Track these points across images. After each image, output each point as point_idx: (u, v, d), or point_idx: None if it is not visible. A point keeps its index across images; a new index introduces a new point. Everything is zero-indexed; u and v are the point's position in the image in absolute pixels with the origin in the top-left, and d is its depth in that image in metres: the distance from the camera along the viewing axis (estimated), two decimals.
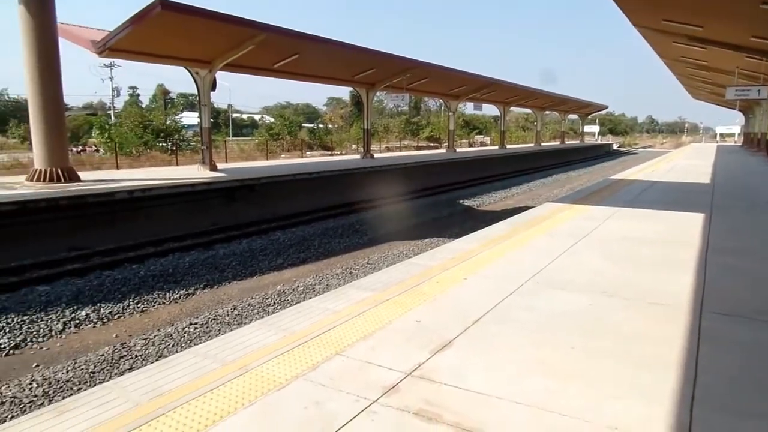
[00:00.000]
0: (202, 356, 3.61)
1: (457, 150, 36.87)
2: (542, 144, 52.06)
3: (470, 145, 57.79)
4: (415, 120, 67.39)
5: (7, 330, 7.55)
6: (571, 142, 62.68)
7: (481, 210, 19.61)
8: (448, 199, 20.93)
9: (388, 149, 47.91)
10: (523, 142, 61.13)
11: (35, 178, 13.16)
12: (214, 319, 8.05)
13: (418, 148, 50.48)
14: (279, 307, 8.55)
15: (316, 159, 30.48)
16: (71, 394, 5.85)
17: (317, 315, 4.43)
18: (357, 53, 19.54)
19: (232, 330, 5.16)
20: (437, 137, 57.43)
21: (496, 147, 44.54)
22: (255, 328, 4.18)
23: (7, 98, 65.42)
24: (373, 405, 3.00)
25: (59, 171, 13.26)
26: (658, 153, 55.11)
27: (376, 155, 29.01)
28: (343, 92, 76.42)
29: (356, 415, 2.88)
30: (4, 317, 7.83)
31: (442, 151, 37.91)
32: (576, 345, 3.83)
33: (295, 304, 6.67)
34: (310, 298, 8.09)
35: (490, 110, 58.78)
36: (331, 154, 38.62)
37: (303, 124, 59.88)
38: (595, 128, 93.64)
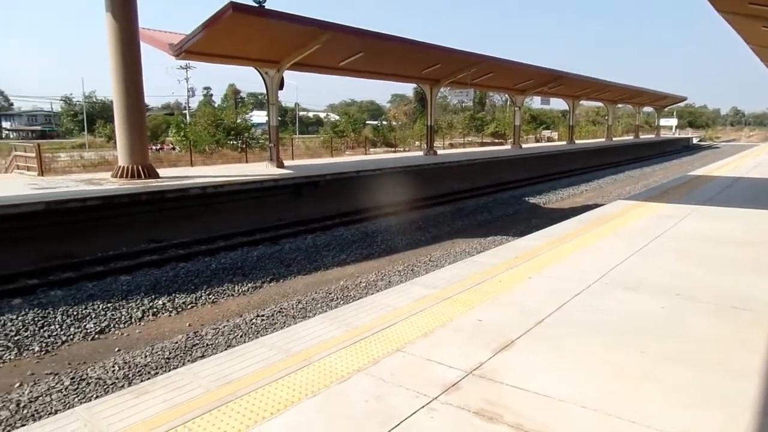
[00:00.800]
0: (268, 347, 3.75)
1: (523, 146, 36.01)
2: (614, 139, 49.85)
3: (537, 141, 56.24)
4: (479, 116, 66.38)
5: (94, 316, 8.14)
6: (645, 137, 59.63)
7: (547, 208, 19.06)
8: (513, 197, 20.48)
9: (451, 145, 47.49)
10: (594, 137, 58.78)
11: (119, 175, 14.11)
12: (279, 311, 8.32)
13: (483, 144, 49.70)
14: (342, 302, 8.70)
15: (379, 156, 30.72)
16: (149, 378, 6.24)
17: (379, 311, 4.48)
18: (421, 49, 19.50)
19: (296, 323, 5.32)
20: (502, 133, 56.30)
21: (564, 142, 43.10)
22: (318, 321, 4.28)
23: (95, 100, 70.32)
24: (433, 402, 3.00)
25: (140, 168, 14.15)
26: (743, 147, 51.39)
27: (439, 152, 28.84)
28: (407, 89, 76.44)
29: (416, 411, 2.90)
30: (92, 304, 8.44)
31: (507, 147, 37.14)
32: (647, 349, 3.66)
33: (358, 299, 6.77)
34: (372, 294, 8.20)
35: (558, 104, 56.93)
36: (395, 151, 38.75)
37: (367, 122, 60.47)
38: (673, 121, 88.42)
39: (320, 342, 3.83)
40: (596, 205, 13.43)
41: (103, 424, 2.81)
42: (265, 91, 18.00)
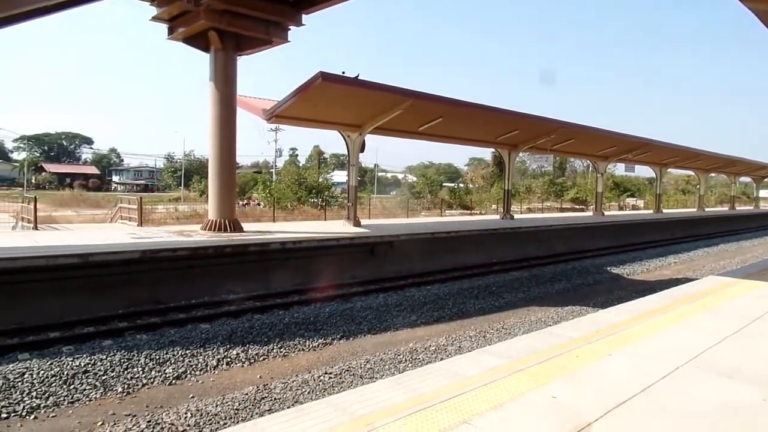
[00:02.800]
0: (333, 407, 3.74)
1: (606, 213, 34.64)
2: (706, 209, 46.83)
3: (620, 209, 53.96)
4: (559, 181, 65.09)
5: (173, 362, 8.50)
6: (742, 208, 55.54)
7: (631, 279, 18.00)
8: (594, 265, 19.57)
9: (529, 210, 46.63)
10: (684, 207, 55.55)
11: (207, 228, 15.04)
12: (347, 370, 8.29)
13: (562, 210, 48.39)
14: (410, 365, 8.55)
15: (454, 218, 30.67)
16: (217, 428, 6.36)
17: (446, 378, 4.37)
18: (499, 115, 19.70)
19: (364, 383, 5.28)
20: (583, 199, 54.64)
21: (651, 211, 41.03)
22: (385, 385, 4.24)
23: (192, 158, 76.37)
24: None
25: (227, 222, 15.02)
26: None
27: (516, 216, 28.39)
28: (485, 152, 76.78)
29: None
30: (172, 350, 8.84)
31: (589, 213, 35.89)
32: None
33: (426, 363, 6.63)
34: (442, 359, 8.00)
35: (644, 171, 54.73)
36: (471, 214, 38.60)
37: (444, 183, 61.00)
38: None
39: (385, 407, 3.77)
40: (686, 280, 12.55)
41: None
42: (345, 152, 18.76)
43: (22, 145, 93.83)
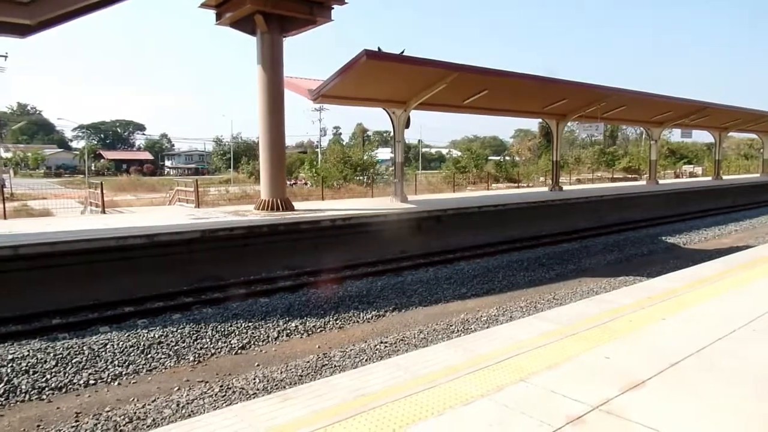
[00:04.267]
0: (396, 367, 4.02)
1: (660, 182, 33.46)
2: None
3: (676, 177, 51.84)
4: (610, 150, 63.02)
5: (237, 333, 9.04)
6: None
7: (687, 248, 17.51)
8: (648, 236, 19.10)
9: (578, 181, 45.54)
10: (746, 172, 52.80)
11: (261, 207, 15.61)
12: (401, 340, 8.61)
13: (613, 180, 46.97)
14: (462, 334, 8.77)
15: (501, 191, 30.38)
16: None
17: (501, 342, 4.57)
18: (546, 85, 19.30)
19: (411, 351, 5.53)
20: (636, 168, 52.82)
21: (710, 178, 39.32)
22: (443, 348, 4.47)
23: (240, 140, 78.21)
24: None
25: (279, 201, 15.55)
26: None
27: (565, 187, 27.86)
28: (532, 124, 75.07)
29: None
30: (236, 322, 9.38)
31: (642, 183, 34.75)
32: None
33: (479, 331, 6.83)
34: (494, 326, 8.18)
35: (702, 136, 52.17)
36: (518, 187, 38.09)
37: (489, 157, 60.21)
38: None
39: (444, 367, 4.01)
40: (747, 247, 12.16)
41: (256, 420, 3.24)
42: (391, 130, 18.90)
43: (80, 134, 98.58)
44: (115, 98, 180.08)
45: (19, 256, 9.82)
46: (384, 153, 64.20)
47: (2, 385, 6.91)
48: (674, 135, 46.02)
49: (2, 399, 6.70)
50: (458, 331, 9.02)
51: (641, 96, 23.04)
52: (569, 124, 27.47)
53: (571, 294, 11.40)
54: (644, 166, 44.44)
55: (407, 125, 18.55)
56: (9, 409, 6.52)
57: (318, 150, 59.49)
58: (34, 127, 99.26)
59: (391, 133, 19.12)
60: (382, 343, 8.45)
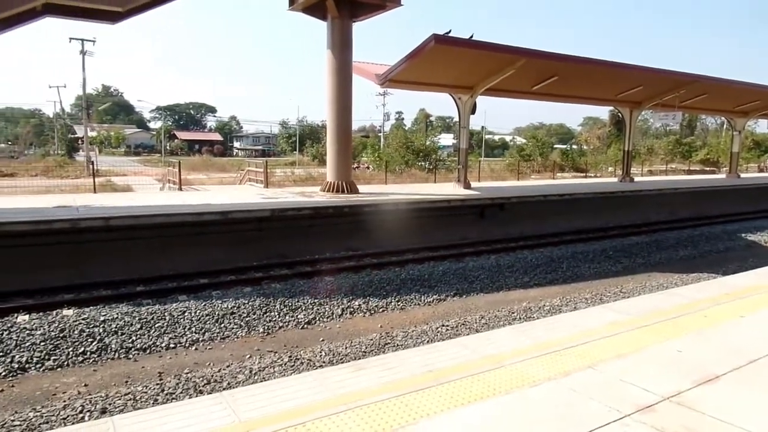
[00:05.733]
0: (463, 347, 4.14)
1: (742, 175, 31.41)
2: None
3: (760, 170, 48.40)
4: (687, 140, 59.61)
5: (303, 309, 9.43)
6: None
7: None
8: (725, 232, 18.09)
9: (650, 172, 43.48)
10: None
11: (326, 189, 16.03)
12: (463, 324, 8.71)
13: (689, 172, 44.52)
14: (524, 322, 8.75)
15: (567, 181, 29.55)
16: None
17: (568, 329, 4.59)
18: (620, 71, 18.50)
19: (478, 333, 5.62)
20: (715, 160, 49.73)
21: None
22: (508, 331, 4.56)
23: (305, 123, 79.95)
24: (626, 418, 3.07)
25: (344, 184, 15.90)
26: None
27: (636, 178, 26.74)
28: (602, 111, 72.14)
29: (608, 423, 3.01)
30: (302, 299, 9.78)
31: (721, 176, 32.77)
32: None
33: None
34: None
35: None
36: (585, 176, 36.89)
37: (555, 145, 58.45)
38: None
39: (511, 350, 4.10)
40: None
41: (332, 386, 3.47)
42: (453, 115, 18.81)
43: (157, 115, 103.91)
44: (191, 81, 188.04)
45: (110, 227, 10.64)
46: (446, 139, 63.68)
47: (96, 343, 7.59)
48: (760, 126, 42.88)
49: (96, 356, 7.37)
50: (520, 318, 9.01)
51: (725, 83, 21.65)
52: (643, 112, 26.24)
53: (640, 288, 11.07)
54: (724, 158, 41.82)
55: (473, 111, 18.37)
56: (101, 365, 7.17)
57: (381, 135, 59.81)
58: (117, 108, 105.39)
59: (455, 119, 19.03)
60: (443, 326, 8.59)
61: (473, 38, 14.17)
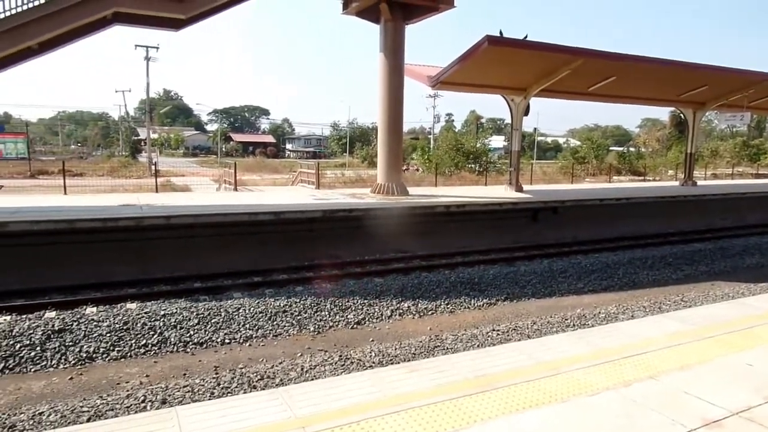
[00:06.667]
0: (518, 351, 4.08)
1: None
2: None
3: None
4: (755, 143, 56.36)
5: (353, 309, 9.52)
6: None
7: None
8: None
9: (714, 176, 41.36)
10: None
11: (376, 191, 16.13)
12: (514, 329, 8.55)
13: (758, 176, 42.05)
14: (579, 329, 8.51)
15: (624, 184, 28.55)
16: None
17: (626, 338, 4.44)
18: (685, 70, 17.72)
19: (532, 339, 5.52)
20: None
21: None
22: (565, 338, 4.45)
23: (356, 125, 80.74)
24: None
25: (394, 186, 15.96)
26: None
27: (699, 182, 25.51)
28: (661, 112, 69.19)
29: None
30: (352, 299, 9.87)
31: None
32: None
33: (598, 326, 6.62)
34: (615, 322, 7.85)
35: None
36: (643, 180, 35.51)
37: (611, 147, 56.60)
38: None
39: (567, 356, 4.00)
40: None
41: (386, 387, 3.49)
42: (504, 117, 18.53)
43: (214, 118, 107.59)
44: (245, 83, 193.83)
45: (170, 225, 11.11)
46: (497, 141, 62.74)
47: (156, 336, 7.93)
48: None
49: (156, 348, 7.70)
50: (574, 325, 8.77)
51: None
52: (707, 113, 25.01)
53: (703, 297, 10.54)
54: None
55: (526, 113, 18.05)
56: (161, 358, 7.49)
57: (431, 136, 59.65)
58: (176, 111, 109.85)
59: (506, 121, 18.78)
60: (494, 330, 8.47)
61: (527, 39, 13.93)
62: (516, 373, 3.71)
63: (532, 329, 8.55)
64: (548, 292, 10.90)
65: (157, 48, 43.90)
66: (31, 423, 5.45)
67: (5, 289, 9.26)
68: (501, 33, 13.96)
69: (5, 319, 7.86)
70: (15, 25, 10.87)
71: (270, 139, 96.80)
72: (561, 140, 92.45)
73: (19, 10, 11.04)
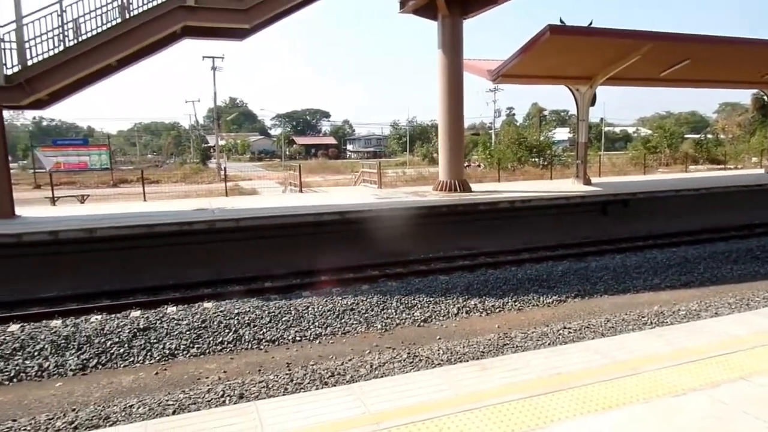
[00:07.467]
0: (593, 350, 3.95)
1: None
2: None
3: None
4: None
5: (419, 307, 9.53)
6: None
7: None
8: None
9: None
10: None
11: (439, 188, 16.07)
12: (587, 327, 8.27)
13: None
14: (657, 327, 8.11)
15: (701, 174, 26.91)
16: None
17: (711, 336, 4.19)
18: None
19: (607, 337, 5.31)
20: None
21: None
22: (644, 336, 4.27)
23: (415, 124, 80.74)
24: None
25: (457, 182, 15.84)
26: None
27: None
28: (742, 96, 64.55)
29: None
30: (418, 296, 9.89)
31: None
32: None
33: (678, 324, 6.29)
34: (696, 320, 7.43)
35: None
36: (723, 168, 33.30)
37: (686, 135, 53.48)
38: None
39: (647, 355, 3.83)
40: None
41: (457, 384, 3.48)
42: (568, 108, 17.94)
43: (277, 122, 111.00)
44: (305, 87, 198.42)
45: (240, 228, 11.56)
46: (561, 133, 60.85)
47: (231, 334, 8.28)
48: None
49: (232, 345, 8.04)
50: (652, 323, 8.36)
51: None
52: None
53: None
54: None
55: (592, 103, 17.39)
56: (237, 354, 7.81)
57: (492, 131, 58.67)
58: (242, 118, 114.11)
59: (570, 112, 18.22)
60: (565, 328, 8.22)
61: (592, 25, 13.42)
62: (592, 372, 3.59)
63: (606, 327, 8.23)
64: (622, 289, 10.47)
65: (223, 58, 45.82)
66: (122, 415, 5.85)
67: (96, 290, 9.99)
68: (562, 21, 13.53)
69: (96, 318, 8.46)
70: (97, 44, 11.67)
71: (331, 140, 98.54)
72: (630, 130, 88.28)
73: (99, 30, 11.85)
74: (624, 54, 15.03)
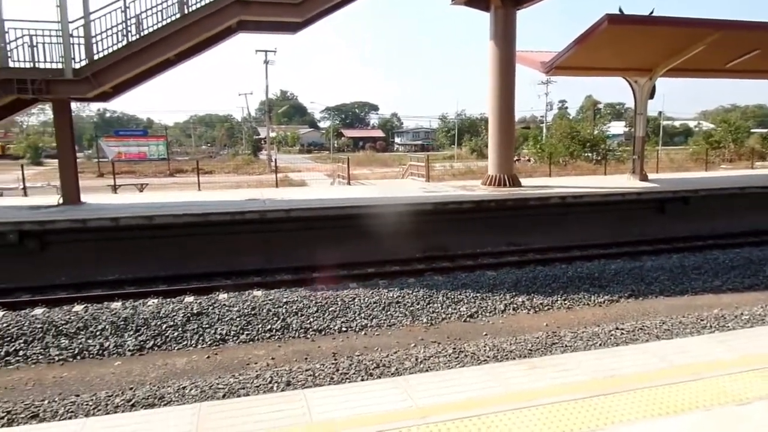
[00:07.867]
0: (649, 353, 3.80)
1: None
2: None
3: None
4: None
5: (466, 302, 9.44)
6: None
7: None
8: None
9: None
10: None
11: (488, 183, 15.83)
12: (640, 329, 7.97)
13: None
14: (717, 331, 7.73)
15: None
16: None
17: None
18: None
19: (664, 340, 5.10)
20: None
21: None
22: (705, 340, 4.08)
23: (464, 117, 79.86)
24: None
25: (506, 177, 15.56)
26: None
27: None
28: None
29: None
30: (465, 292, 9.80)
31: None
32: None
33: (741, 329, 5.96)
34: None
35: None
36: None
37: (753, 130, 50.53)
38: None
39: (708, 361, 3.66)
40: None
41: (505, 382, 3.43)
42: (624, 101, 17.29)
43: (326, 115, 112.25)
44: (354, 80, 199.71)
45: (290, 218, 11.78)
46: (616, 127, 58.69)
47: (279, 322, 8.46)
48: None
49: (279, 333, 8.22)
50: (711, 327, 7.97)
51: None
52: None
53: None
54: None
55: (651, 95, 16.66)
56: (284, 342, 7.98)
57: (543, 125, 57.25)
58: (292, 110, 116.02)
59: (626, 105, 17.61)
60: (617, 329, 7.96)
61: (653, 14, 12.83)
62: (649, 375, 3.46)
63: (661, 329, 7.92)
64: (679, 290, 10.05)
65: (275, 51, 46.61)
66: (176, 395, 6.08)
67: (154, 275, 10.43)
68: (621, 10, 13.00)
69: (153, 302, 8.83)
70: (158, 39, 12.11)
71: (379, 133, 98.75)
72: (691, 124, 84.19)
73: (160, 26, 12.28)
74: (687, 44, 14.30)
